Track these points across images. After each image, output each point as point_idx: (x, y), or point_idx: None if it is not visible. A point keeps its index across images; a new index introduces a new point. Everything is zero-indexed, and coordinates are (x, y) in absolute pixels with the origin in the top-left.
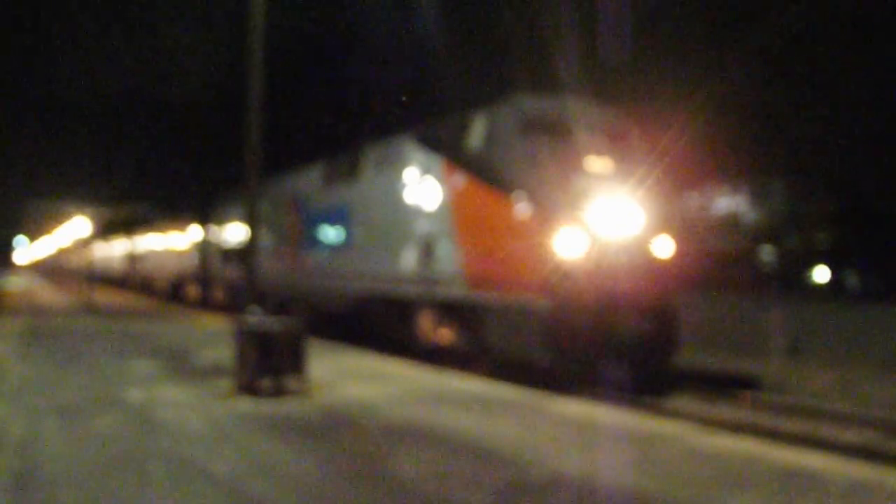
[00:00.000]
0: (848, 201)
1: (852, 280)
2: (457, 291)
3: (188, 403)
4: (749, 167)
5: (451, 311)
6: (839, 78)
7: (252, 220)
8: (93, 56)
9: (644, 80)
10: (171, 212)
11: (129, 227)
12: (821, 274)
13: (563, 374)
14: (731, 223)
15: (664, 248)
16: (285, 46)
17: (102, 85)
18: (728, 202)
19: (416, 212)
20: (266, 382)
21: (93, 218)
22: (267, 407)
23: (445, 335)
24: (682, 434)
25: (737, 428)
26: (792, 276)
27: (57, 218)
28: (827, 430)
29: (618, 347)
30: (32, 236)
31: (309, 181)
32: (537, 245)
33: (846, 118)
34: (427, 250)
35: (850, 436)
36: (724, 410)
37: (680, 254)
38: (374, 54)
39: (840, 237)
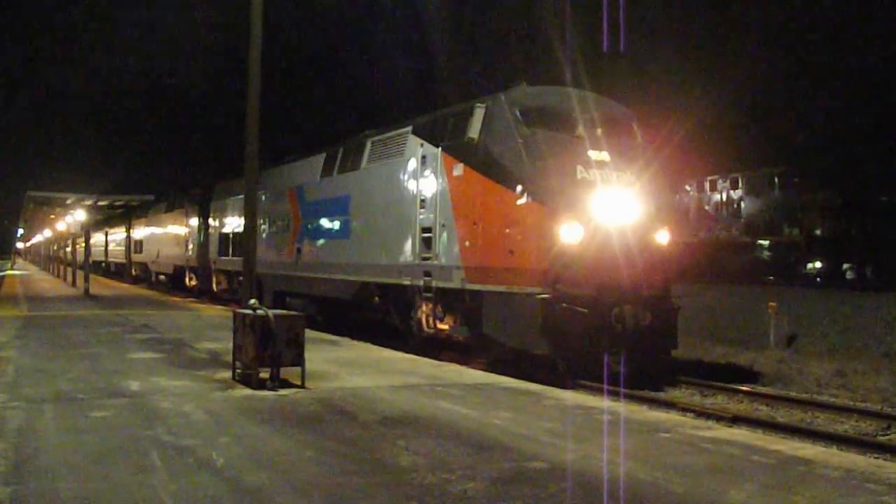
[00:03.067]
0: (848, 192)
1: (850, 271)
2: (456, 282)
3: (186, 393)
4: (747, 157)
5: (450, 301)
6: (838, 67)
7: (251, 212)
8: (93, 47)
9: (643, 70)
10: (171, 201)
11: (128, 216)
12: (819, 265)
13: (563, 365)
14: (728, 213)
15: (663, 238)
16: (288, 37)
17: (103, 76)
18: (726, 192)
19: (415, 202)
20: (264, 373)
21: (92, 207)
22: (265, 397)
23: (445, 326)
24: (679, 424)
25: (734, 419)
26: (789, 267)
27: (56, 207)
28: (822, 421)
29: (618, 339)
30: (32, 225)
31: (309, 171)
32: (536, 235)
33: (846, 107)
34: (426, 241)
35: (846, 426)
36: (721, 401)
37: (679, 244)
38: (376, 45)
39: (839, 228)
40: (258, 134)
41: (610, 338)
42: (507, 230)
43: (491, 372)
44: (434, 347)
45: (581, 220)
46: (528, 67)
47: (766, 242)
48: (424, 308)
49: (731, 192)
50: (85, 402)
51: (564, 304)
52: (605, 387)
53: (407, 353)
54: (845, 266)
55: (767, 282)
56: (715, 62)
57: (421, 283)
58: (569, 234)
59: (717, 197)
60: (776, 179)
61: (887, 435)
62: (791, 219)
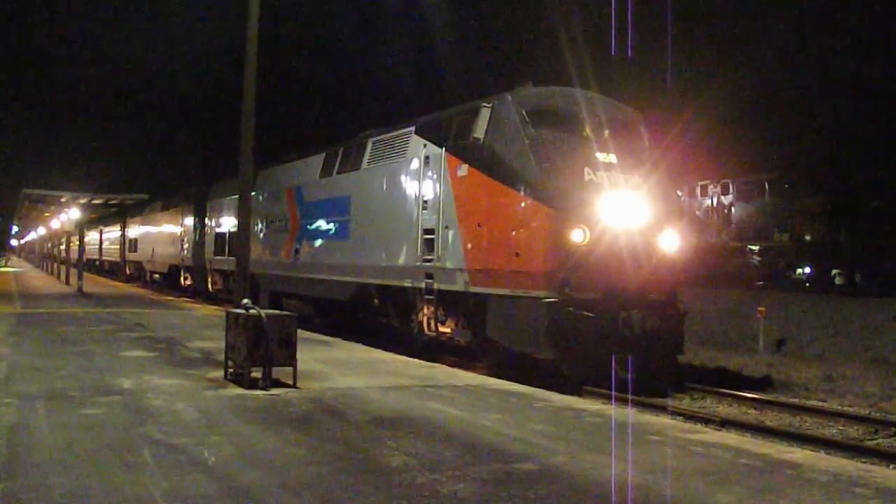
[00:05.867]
0: (837, 198)
1: (839, 276)
2: (459, 284)
3: (179, 392)
4: (738, 163)
5: (452, 304)
6: (830, 74)
7: (245, 211)
8: (91, 45)
9: (637, 74)
10: (166, 200)
11: (123, 214)
12: (808, 270)
13: (569, 370)
14: (719, 218)
15: (671, 241)
16: (289, 35)
17: (100, 74)
18: (716, 197)
19: (418, 203)
20: (256, 372)
21: (86, 205)
22: (257, 396)
23: (446, 329)
24: (668, 428)
25: (722, 422)
26: (779, 272)
27: (51, 205)
28: (811, 425)
29: (625, 344)
30: (26, 223)
31: (308, 171)
32: (543, 238)
33: (837, 115)
34: (428, 242)
35: (834, 430)
36: (710, 405)
37: (686, 247)
38: (378, 43)
39: (829, 234)
40: (253, 133)
41: (617, 343)
42: (513, 232)
43: (484, 375)
44: (429, 350)
45: (588, 222)
46: (529, 69)
47: (756, 247)
48: (426, 311)
49: (722, 197)
50: (77, 400)
51: (571, 309)
52: (613, 393)
53: (400, 355)
54: (834, 271)
55: (757, 286)
56: (708, 68)
57: (422, 285)
58: (576, 236)
59: (707, 202)
60: (766, 185)
61: (875, 440)
62: (781, 224)
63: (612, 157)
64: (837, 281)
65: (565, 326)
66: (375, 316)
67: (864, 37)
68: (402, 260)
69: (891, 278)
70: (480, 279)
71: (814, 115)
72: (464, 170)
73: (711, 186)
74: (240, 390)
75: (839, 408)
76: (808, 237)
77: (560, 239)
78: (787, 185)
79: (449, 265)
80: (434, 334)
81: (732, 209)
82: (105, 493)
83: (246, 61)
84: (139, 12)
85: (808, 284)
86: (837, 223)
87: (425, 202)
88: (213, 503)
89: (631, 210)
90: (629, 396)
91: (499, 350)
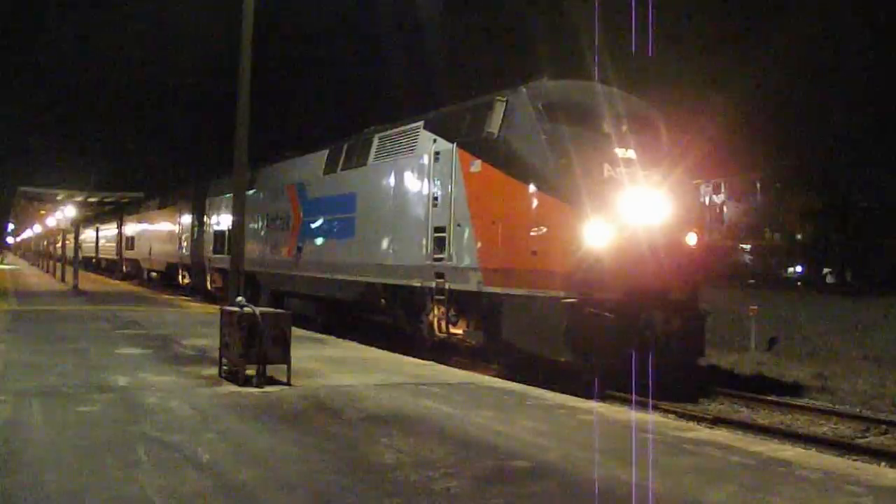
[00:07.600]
0: (828, 198)
1: (831, 275)
2: (472, 284)
3: (173, 389)
4: (732, 162)
5: (464, 304)
6: (822, 75)
7: (239, 208)
8: (87, 42)
9: (641, 76)
10: (164, 197)
11: (119, 212)
12: (799, 268)
13: (588, 374)
14: (711, 217)
15: (692, 240)
16: (291, 29)
17: (96, 71)
18: (709, 196)
19: (428, 200)
20: (251, 370)
21: (82, 203)
22: (251, 394)
23: (458, 330)
24: (661, 425)
25: (714, 420)
26: (771, 271)
27: (47, 203)
28: (802, 423)
29: (645, 346)
30: (22, 221)
31: (310, 168)
32: (562, 236)
33: (829, 115)
34: (439, 240)
35: (825, 428)
36: (703, 403)
37: (706, 246)
38: (383, 37)
39: (820, 233)
40: (248, 130)
41: (638, 345)
42: (530, 230)
43: (479, 372)
44: (437, 351)
45: (608, 220)
46: (533, 66)
47: (748, 246)
48: (436, 311)
49: (714, 196)
50: (72, 397)
51: (591, 309)
52: (633, 396)
53: (393, 352)
54: (825, 270)
55: (749, 285)
56: (701, 68)
57: (433, 284)
58: (596, 234)
59: (700, 201)
60: (758, 184)
61: (865, 437)
62: (773, 223)
63: (632, 153)
64: (829, 279)
65: (585, 328)
66: (382, 316)
67: (857, 36)
68: (410, 259)
69: (881, 277)
70: (495, 279)
71: (806, 116)
72: (477, 166)
73: (704, 185)
74: (234, 388)
75: (830, 406)
76: (799, 236)
77: (579, 237)
78: (777, 185)
79: (461, 264)
80: (445, 336)
81: (724, 208)
82: (99, 490)
83: (241, 56)
84: (135, 7)
85: (799, 283)
86: (828, 222)
87: (435, 199)
88: (207, 500)
89: (651, 207)
90: (649, 401)
91: (509, 352)
